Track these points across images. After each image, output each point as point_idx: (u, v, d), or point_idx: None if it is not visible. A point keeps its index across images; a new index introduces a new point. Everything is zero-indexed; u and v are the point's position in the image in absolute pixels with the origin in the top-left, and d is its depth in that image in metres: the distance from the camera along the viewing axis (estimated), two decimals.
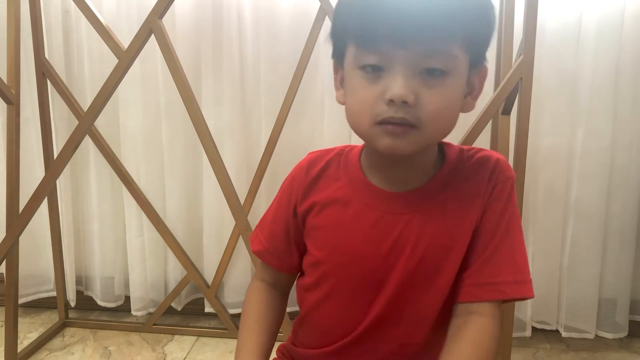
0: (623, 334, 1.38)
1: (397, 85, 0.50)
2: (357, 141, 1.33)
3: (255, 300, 0.67)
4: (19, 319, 1.34)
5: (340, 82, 0.59)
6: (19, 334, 1.38)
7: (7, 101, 1.24)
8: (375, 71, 0.52)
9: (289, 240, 0.65)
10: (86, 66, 1.41)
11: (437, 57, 0.50)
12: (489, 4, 0.54)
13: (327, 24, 1.24)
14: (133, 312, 1.51)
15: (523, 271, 0.58)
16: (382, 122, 0.52)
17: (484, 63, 0.57)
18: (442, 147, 0.62)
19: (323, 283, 0.62)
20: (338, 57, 0.58)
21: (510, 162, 1.14)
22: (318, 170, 0.63)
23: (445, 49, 0.51)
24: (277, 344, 0.74)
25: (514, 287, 0.57)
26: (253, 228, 1.34)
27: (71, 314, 1.56)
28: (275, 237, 0.66)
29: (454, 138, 1.24)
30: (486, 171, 0.58)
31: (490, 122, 1.20)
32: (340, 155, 0.64)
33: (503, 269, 0.57)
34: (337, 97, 0.60)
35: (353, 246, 0.59)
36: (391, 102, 0.50)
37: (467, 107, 0.58)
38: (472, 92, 0.58)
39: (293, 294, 0.69)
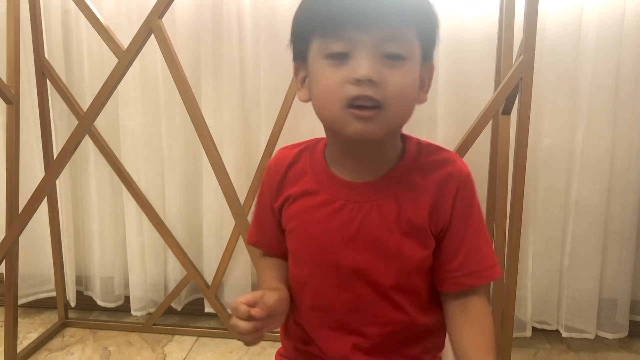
0: (623, 334, 1.38)
1: (363, 65, 0.54)
2: None
3: (265, 259, 0.74)
4: (19, 319, 1.34)
5: (302, 82, 0.62)
6: (19, 334, 1.37)
7: (7, 101, 1.24)
8: (340, 58, 0.55)
9: (276, 232, 0.69)
10: (86, 66, 1.41)
11: (396, 41, 0.55)
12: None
13: None
14: (133, 312, 1.51)
15: (495, 254, 0.65)
16: (351, 105, 0.55)
17: (432, 60, 0.62)
18: (403, 140, 0.65)
19: (300, 271, 0.66)
20: (300, 56, 0.61)
21: (510, 162, 1.15)
22: (286, 166, 0.67)
23: (403, 33, 0.56)
24: (274, 350, 0.75)
25: (495, 269, 0.63)
26: None
27: (71, 314, 1.56)
28: (263, 231, 0.71)
29: (454, 138, 1.25)
30: (445, 173, 0.62)
31: (490, 122, 1.20)
32: (307, 149, 0.68)
33: (486, 256, 0.63)
34: (299, 96, 0.63)
35: (320, 234, 0.63)
36: (358, 81, 0.54)
37: (421, 99, 0.62)
38: (423, 86, 0.62)
39: None
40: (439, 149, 0.65)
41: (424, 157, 0.63)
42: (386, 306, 0.63)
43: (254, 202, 0.74)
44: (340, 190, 0.62)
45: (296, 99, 1.27)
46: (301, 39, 0.60)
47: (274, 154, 1.29)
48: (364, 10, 0.53)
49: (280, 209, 0.67)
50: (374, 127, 0.55)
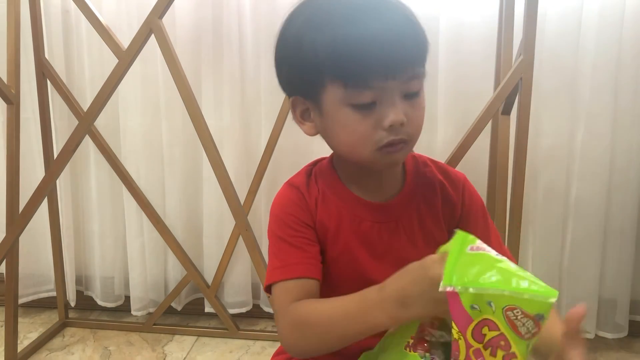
0: (623, 334, 1.38)
1: (394, 112, 0.56)
2: None
3: (313, 302, 0.62)
4: (19, 319, 1.34)
5: (302, 115, 0.63)
6: (19, 334, 1.38)
7: (7, 101, 1.24)
8: (368, 107, 0.56)
9: (317, 248, 0.65)
10: (86, 66, 1.41)
11: (416, 80, 0.58)
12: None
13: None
14: (133, 312, 1.51)
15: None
16: (384, 147, 0.58)
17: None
18: None
19: (332, 292, 0.63)
20: (303, 94, 0.61)
21: (510, 162, 1.15)
22: (315, 196, 0.65)
23: (421, 71, 0.58)
24: (274, 350, 0.74)
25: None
26: (252, 228, 1.34)
27: (71, 314, 1.56)
28: (307, 252, 0.64)
29: (454, 138, 1.25)
30: (449, 179, 0.69)
31: (490, 122, 1.20)
32: (318, 176, 0.67)
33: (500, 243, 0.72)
34: (305, 131, 0.63)
35: (354, 255, 0.64)
36: (391, 127, 0.56)
37: None
38: None
39: None
40: (430, 159, 0.71)
41: (423, 168, 0.69)
42: None
43: (266, 204, 0.69)
44: (365, 211, 0.65)
45: None
46: (312, 80, 0.58)
47: (273, 154, 1.30)
48: (393, 58, 0.54)
49: (319, 234, 0.65)
50: (401, 157, 0.61)
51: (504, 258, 0.46)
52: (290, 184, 0.68)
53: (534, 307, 0.42)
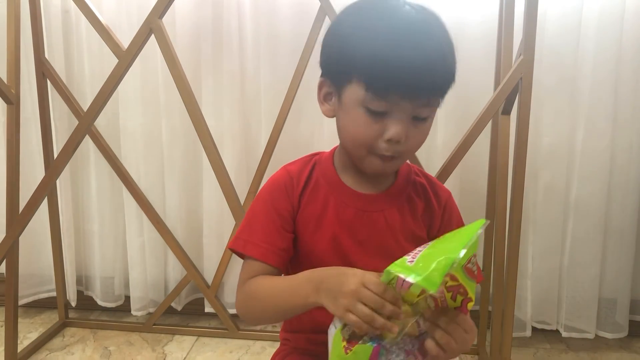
0: (623, 334, 1.38)
1: (397, 130, 0.63)
2: None
3: (261, 279, 0.69)
4: (19, 319, 1.34)
5: (325, 97, 0.70)
6: (19, 334, 1.38)
7: (7, 101, 1.24)
8: (379, 115, 0.63)
9: (287, 241, 0.72)
10: (86, 66, 1.41)
11: (429, 107, 0.64)
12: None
13: (327, 24, 1.24)
14: (133, 312, 1.51)
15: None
16: (376, 153, 0.65)
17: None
18: None
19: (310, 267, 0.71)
20: (331, 79, 0.68)
21: (510, 162, 1.15)
22: (305, 179, 0.73)
23: (436, 102, 0.65)
24: (274, 350, 0.76)
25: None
26: None
27: (71, 314, 1.56)
28: (272, 241, 0.71)
29: (454, 138, 1.24)
30: (435, 191, 0.76)
31: (490, 122, 1.20)
32: (317, 163, 0.75)
33: None
34: (323, 111, 0.70)
35: (336, 237, 0.71)
36: (389, 141, 0.63)
37: None
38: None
39: None
40: (422, 171, 0.79)
41: (414, 175, 0.76)
42: None
43: (252, 213, 0.73)
44: (351, 199, 0.71)
45: (296, 99, 1.28)
46: (342, 71, 0.65)
47: (273, 154, 1.31)
48: (414, 85, 0.60)
49: (296, 218, 0.72)
50: (390, 167, 0.68)
51: (427, 243, 0.59)
52: (285, 168, 0.75)
53: (476, 247, 0.54)
